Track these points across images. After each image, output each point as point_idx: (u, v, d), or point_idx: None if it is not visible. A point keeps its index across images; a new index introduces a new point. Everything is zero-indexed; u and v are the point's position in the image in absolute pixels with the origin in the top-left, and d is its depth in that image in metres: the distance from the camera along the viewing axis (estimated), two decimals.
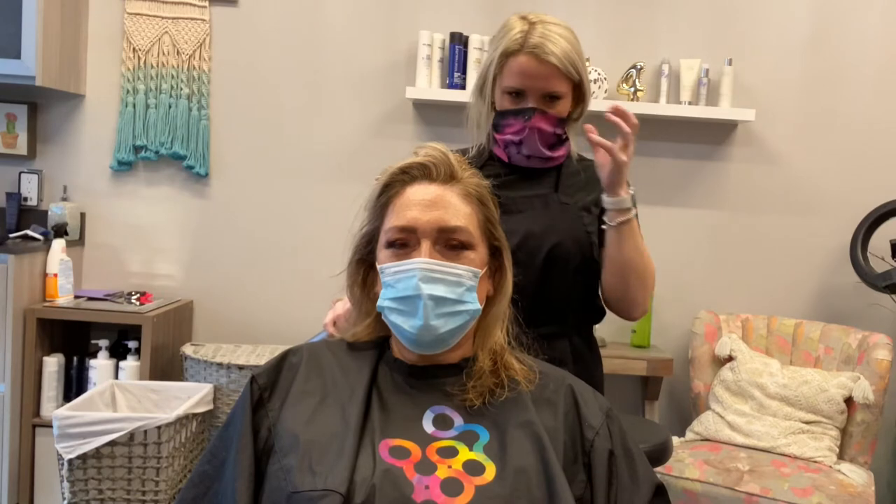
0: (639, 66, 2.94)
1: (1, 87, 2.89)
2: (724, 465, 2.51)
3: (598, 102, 2.76)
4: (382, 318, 1.18)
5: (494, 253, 1.21)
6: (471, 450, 1.08)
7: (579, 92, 1.57)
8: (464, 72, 2.93)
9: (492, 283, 1.21)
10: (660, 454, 2.19)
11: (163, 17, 3.01)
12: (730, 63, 2.95)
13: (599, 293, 1.64)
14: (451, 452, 1.08)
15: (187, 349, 2.84)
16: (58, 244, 2.83)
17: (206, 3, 3.02)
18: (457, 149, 1.50)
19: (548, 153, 1.56)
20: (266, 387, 1.17)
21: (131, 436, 2.32)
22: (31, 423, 2.75)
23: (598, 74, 2.89)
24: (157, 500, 2.38)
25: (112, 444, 2.31)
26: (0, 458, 2.71)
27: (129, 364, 2.77)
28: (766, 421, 2.66)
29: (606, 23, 3.02)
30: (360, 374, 1.16)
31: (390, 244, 1.16)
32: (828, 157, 3.06)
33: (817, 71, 3.04)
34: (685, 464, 2.54)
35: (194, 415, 2.53)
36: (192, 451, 2.55)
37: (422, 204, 1.14)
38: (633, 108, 2.87)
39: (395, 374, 1.18)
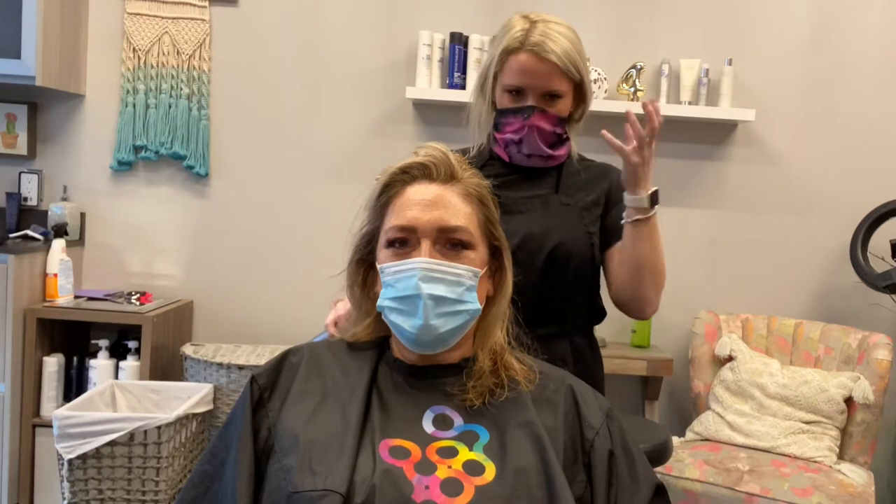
0: (639, 66, 2.94)
1: (1, 87, 2.89)
2: (724, 465, 2.51)
3: (598, 102, 2.76)
4: (382, 317, 1.18)
5: (494, 253, 1.21)
6: (471, 450, 1.08)
7: (580, 92, 1.57)
8: (464, 72, 2.93)
9: (492, 283, 1.21)
10: (660, 454, 2.19)
11: (163, 17, 3.01)
12: (730, 63, 2.95)
13: (600, 293, 1.64)
14: (450, 452, 1.08)
15: (187, 349, 2.84)
16: (58, 244, 2.83)
17: (206, 3, 3.02)
18: (457, 149, 1.50)
19: (549, 151, 1.56)
20: (266, 387, 1.17)
21: (131, 436, 2.32)
22: (31, 423, 2.75)
23: (598, 74, 2.89)
24: (157, 500, 2.38)
25: (112, 444, 2.31)
26: (0, 458, 2.71)
27: (129, 364, 2.77)
28: (766, 421, 2.66)
29: (606, 23, 3.02)
30: (360, 374, 1.16)
31: (390, 244, 1.16)
32: (828, 157, 3.06)
33: (817, 71, 3.04)
34: (685, 464, 2.54)
35: (194, 415, 2.53)
36: (192, 451, 2.55)
37: (422, 204, 1.14)
38: (633, 108, 2.90)
39: (395, 374, 1.18)
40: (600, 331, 1.70)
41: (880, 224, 2.89)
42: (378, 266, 1.17)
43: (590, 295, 1.62)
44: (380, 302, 1.16)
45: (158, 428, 2.34)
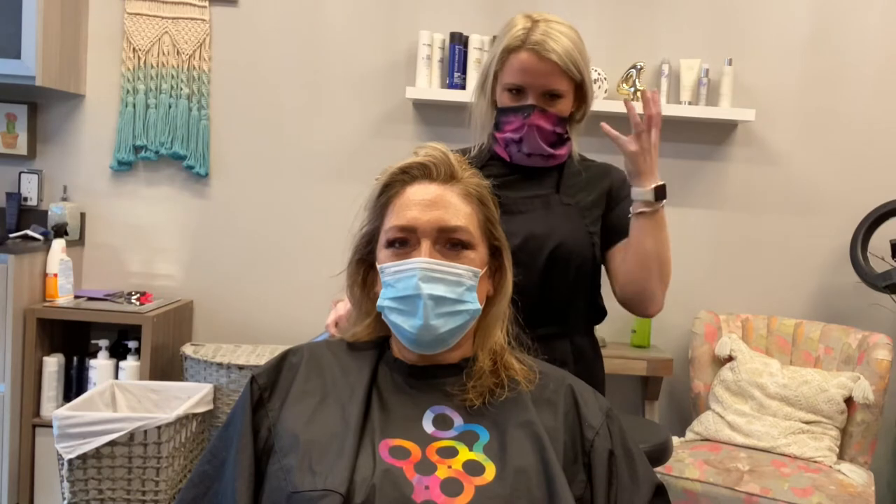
0: (639, 66, 2.94)
1: (1, 87, 2.89)
2: (724, 465, 2.51)
3: (598, 102, 2.75)
4: (382, 317, 1.18)
5: (494, 253, 1.21)
6: (471, 450, 1.08)
7: (581, 92, 1.57)
8: (464, 72, 2.93)
9: (492, 283, 1.21)
10: (660, 454, 2.19)
11: (163, 17, 3.01)
12: (730, 63, 2.95)
13: (601, 293, 1.64)
14: (450, 452, 1.08)
15: (187, 349, 2.84)
16: (58, 244, 2.83)
17: (206, 3, 3.02)
18: (457, 149, 1.50)
19: (549, 150, 1.55)
20: (266, 387, 1.16)
21: (131, 436, 2.32)
22: (31, 423, 2.75)
23: (598, 74, 2.89)
24: (157, 500, 2.38)
25: (112, 444, 2.31)
26: (0, 458, 2.71)
27: (129, 364, 2.77)
28: (766, 421, 2.66)
29: (606, 23, 3.02)
30: (360, 373, 1.16)
31: (390, 244, 1.16)
32: (828, 157, 3.06)
33: (817, 71, 3.04)
34: (685, 464, 2.54)
35: (194, 415, 2.53)
36: (192, 451, 2.55)
37: (422, 204, 1.14)
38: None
39: (395, 374, 1.18)
40: (600, 331, 1.71)
41: (880, 224, 2.89)
42: (378, 266, 1.17)
43: (590, 295, 1.62)
44: (380, 302, 1.16)
45: (158, 428, 2.34)
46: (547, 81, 1.50)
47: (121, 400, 2.63)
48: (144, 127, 3.03)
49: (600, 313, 1.66)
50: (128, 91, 3.02)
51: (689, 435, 2.81)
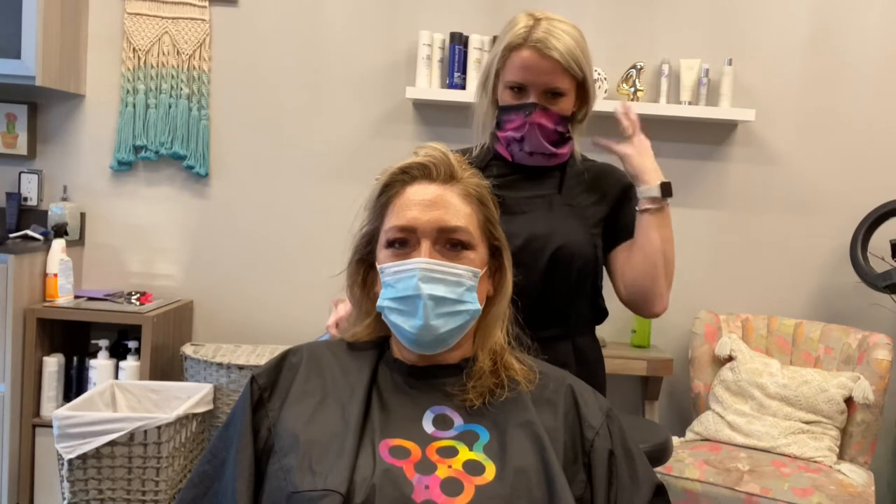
0: (639, 66, 2.94)
1: (1, 87, 2.89)
2: (724, 465, 2.51)
3: (598, 102, 2.75)
4: (382, 318, 1.18)
5: (494, 253, 1.21)
6: (471, 449, 1.08)
7: (583, 91, 1.56)
8: (464, 72, 2.93)
9: (492, 283, 1.21)
10: (660, 454, 2.19)
11: (163, 17, 3.01)
12: (730, 63, 2.95)
13: (602, 294, 1.64)
14: (451, 452, 1.08)
15: (187, 349, 2.84)
16: (58, 244, 2.83)
17: (206, 3, 3.02)
18: (457, 149, 1.50)
19: (551, 149, 1.55)
20: (266, 387, 1.16)
21: (131, 436, 2.32)
22: (31, 423, 2.75)
23: (598, 74, 2.89)
24: (157, 500, 2.38)
25: (112, 444, 2.31)
26: (0, 458, 2.71)
27: (129, 364, 2.77)
28: (766, 421, 2.66)
29: (606, 23, 3.02)
30: (360, 373, 1.16)
31: (390, 244, 1.16)
32: (828, 157, 3.06)
33: (817, 71, 3.04)
34: (685, 464, 2.54)
35: (194, 415, 2.53)
36: (192, 451, 2.56)
37: (422, 204, 1.14)
38: (633, 108, 2.89)
39: (394, 375, 1.18)
40: (600, 331, 1.70)
41: (880, 224, 2.89)
42: (378, 266, 1.17)
43: (592, 296, 1.62)
44: (380, 302, 1.16)
45: (158, 428, 2.34)
46: (549, 79, 1.50)
47: (121, 400, 2.63)
48: (144, 127, 3.03)
49: (602, 314, 1.66)
50: (128, 91, 3.02)
51: (689, 435, 2.81)
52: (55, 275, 2.81)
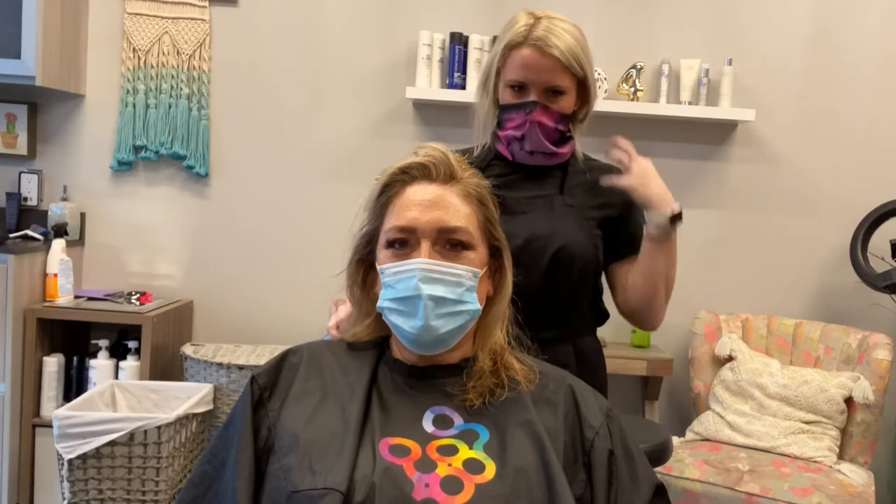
0: (639, 66, 2.94)
1: (1, 87, 2.89)
2: (724, 465, 2.51)
3: (598, 102, 2.76)
4: (382, 318, 1.18)
5: (494, 253, 1.21)
6: (471, 448, 1.08)
7: (584, 90, 1.55)
8: (464, 72, 2.93)
9: (492, 284, 1.21)
10: (660, 454, 2.19)
11: (163, 17, 3.01)
12: (730, 63, 2.95)
13: (602, 295, 1.64)
14: (451, 451, 1.08)
15: (187, 349, 2.84)
16: (58, 244, 2.83)
17: (206, 3, 3.02)
18: (458, 149, 1.50)
19: (552, 148, 1.54)
20: (266, 387, 1.16)
21: (131, 436, 2.32)
22: (31, 423, 2.75)
23: (599, 74, 2.89)
24: (157, 500, 2.38)
25: (112, 444, 2.31)
26: (0, 458, 2.71)
27: (129, 364, 2.77)
28: (766, 421, 2.66)
29: (606, 23, 3.02)
30: (360, 373, 1.16)
31: (390, 244, 1.16)
32: (828, 157, 3.06)
33: (817, 71, 3.04)
34: (685, 464, 2.54)
35: (194, 415, 2.53)
36: (192, 451, 2.56)
37: (422, 204, 1.14)
38: (633, 108, 2.90)
39: (394, 375, 1.18)
40: (600, 331, 1.70)
41: (880, 224, 2.89)
42: (378, 267, 1.17)
43: (593, 298, 1.61)
44: (380, 303, 1.16)
45: (158, 428, 2.34)
46: (549, 77, 1.49)
47: (121, 400, 2.63)
48: (144, 127, 3.03)
49: (603, 316, 1.66)
50: (128, 91, 3.02)
51: (689, 435, 2.81)
52: (55, 275, 2.81)
